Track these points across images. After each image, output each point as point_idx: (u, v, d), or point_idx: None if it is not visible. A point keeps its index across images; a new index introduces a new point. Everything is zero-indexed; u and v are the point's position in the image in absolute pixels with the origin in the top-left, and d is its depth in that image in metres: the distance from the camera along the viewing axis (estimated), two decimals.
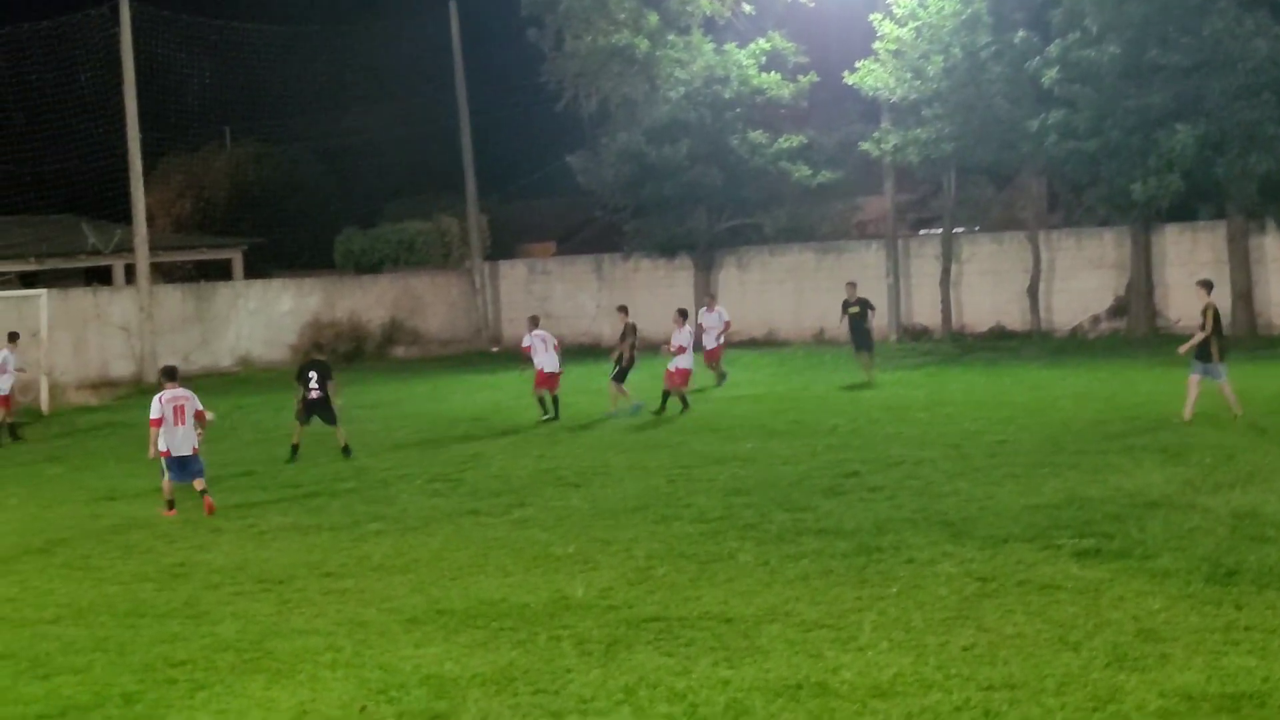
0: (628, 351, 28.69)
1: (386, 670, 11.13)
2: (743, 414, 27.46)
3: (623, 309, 30.48)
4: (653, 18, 43.80)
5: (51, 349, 36.67)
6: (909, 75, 39.59)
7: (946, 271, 42.17)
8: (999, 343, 40.14)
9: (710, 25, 44.92)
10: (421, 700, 10.34)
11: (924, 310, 43.15)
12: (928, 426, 24.30)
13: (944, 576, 13.29)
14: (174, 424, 19.26)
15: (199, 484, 19.46)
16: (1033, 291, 40.79)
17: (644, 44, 43.51)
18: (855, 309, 32.87)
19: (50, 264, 49.31)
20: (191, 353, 43.63)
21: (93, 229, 49.97)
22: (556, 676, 10.75)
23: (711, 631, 11.78)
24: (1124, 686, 9.86)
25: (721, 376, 33.12)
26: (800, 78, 43.68)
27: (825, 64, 42.95)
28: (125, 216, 44.57)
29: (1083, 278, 41.24)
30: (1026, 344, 39.10)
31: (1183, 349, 23.51)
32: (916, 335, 42.66)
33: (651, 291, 47.56)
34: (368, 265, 51.22)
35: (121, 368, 42.86)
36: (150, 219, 46.07)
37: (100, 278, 51.58)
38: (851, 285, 34.03)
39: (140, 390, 40.16)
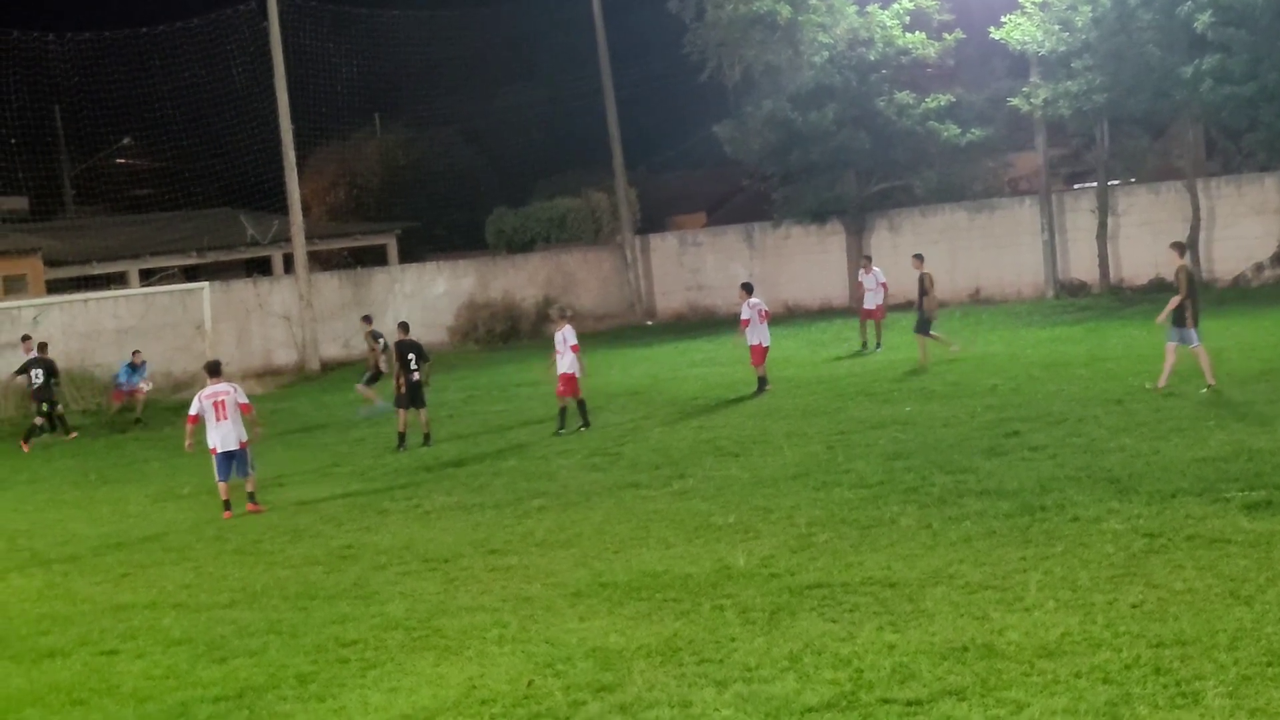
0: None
1: (553, 644, 11.26)
2: (900, 377, 27.26)
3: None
4: None
5: (216, 340, 37.39)
6: (1057, 27, 38.90)
7: (1103, 225, 41.45)
8: (1159, 295, 39.21)
9: None
10: (588, 672, 10.45)
11: (1081, 265, 42.47)
12: (1089, 383, 23.95)
13: (1110, 534, 13.13)
14: (216, 419, 19.14)
15: (249, 484, 19.39)
16: (1193, 241, 39.94)
17: (786, 10, 43.20)
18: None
19: (211, 257, 50.39)
20: (351, 338, 44.28)
21: (251, 221, 50.92)
22: (721, 645, 10.80)
23: (875, 596, 11.75)
24: None
25: (876, 343, 32.74)
26: (945, 35, 43.17)
27: (970, 20, 42.39)
28: (282, 207, 45.34)
29: (1244, 225, 40.30)
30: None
31: (1160, 317, 22.68)
32: (1074, 290, 42.01)
33: (804, 258, 47.40)
34: (520, 244, 51.60)
35: (284, 356, 43.64)
36: (306, 208, 46.82)
37: (260, 268, 52.57)
38: (918, 258, 31.79)
39: (303, 377, 40.95)
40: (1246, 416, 18.92)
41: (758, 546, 14.03)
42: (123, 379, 33.22)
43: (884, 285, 33.74)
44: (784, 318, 43.68)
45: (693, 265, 50.67)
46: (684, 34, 45.91)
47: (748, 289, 28.67)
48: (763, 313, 27.81)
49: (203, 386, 19.82)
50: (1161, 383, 22.01)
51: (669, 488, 18.07)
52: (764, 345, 27.40)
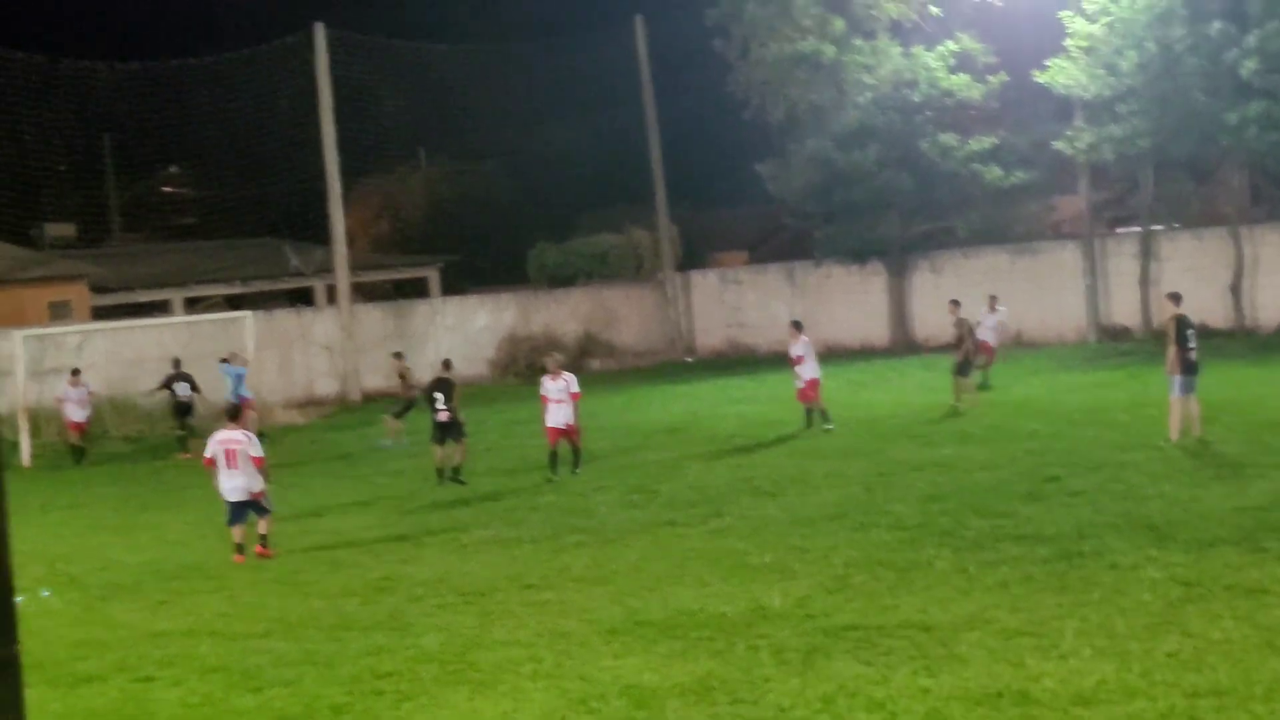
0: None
1: (586, 681, 11.29)
2: (940, 420, 27.21)
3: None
4: (838, 23, 43.58)
5: (258, 369, 37.57)
6: (1102, 71, 38.86)
7: (1146, 270, 41.35)
8: (1202, 341, 39.01)
9: (897, 29, 44.58)
10: (621, 710, 10.47)
11: (1123, 310, 42.31)
12: (1130, 429, 23.85)
13: (1148, 582, 13.09)
14: (226, 467, 18.34)
15: (263, 525, 18.56)
16: (1236, 288, 39.82)
17: (830, 50, 43.32)
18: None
19: (255, 286, 50.70)
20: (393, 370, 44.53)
21: (295, 251, 51.21)
22: (755, 686, 10.80)
23: (910, 640, 11.74)
24: None
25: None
26: (990, 78, 43.15)
27: (1015, 63, 42.34)
28: (325, 238, 45.61)
29: None
30: (1230, 342, 38.09)
31: (1168, 369, 22.25)
32: (1116, 335, 41.87)
33: (845, 298, 47.38)
34: (561, 279, 51.73)
35: (326, 386, 43.82)
36: (349, 240, 47.09)
37: (303, 298, 52.85)
38: (954, 303, 31.84)
39: (344, 408, 41.09)
40: None
41: (793, 587, 14.03)
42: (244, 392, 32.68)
43: (1001, 323, 34.16)
44: (824, 357, 43.60)
45: (734, 303, 50.69)
46: (728, 72, 46.08)
47: (798, 327, 28.69)
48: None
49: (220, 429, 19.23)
50: (1173, 436, 21.71)
51: (705, 526, 18.09)
52: (818, 379, 27.40)
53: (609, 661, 11.83)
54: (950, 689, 10.31)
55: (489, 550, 17.63)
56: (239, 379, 33.02)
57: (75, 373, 33.52)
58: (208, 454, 18.67)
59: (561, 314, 49.34)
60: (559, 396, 23.48)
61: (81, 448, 32.39)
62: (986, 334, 33.39)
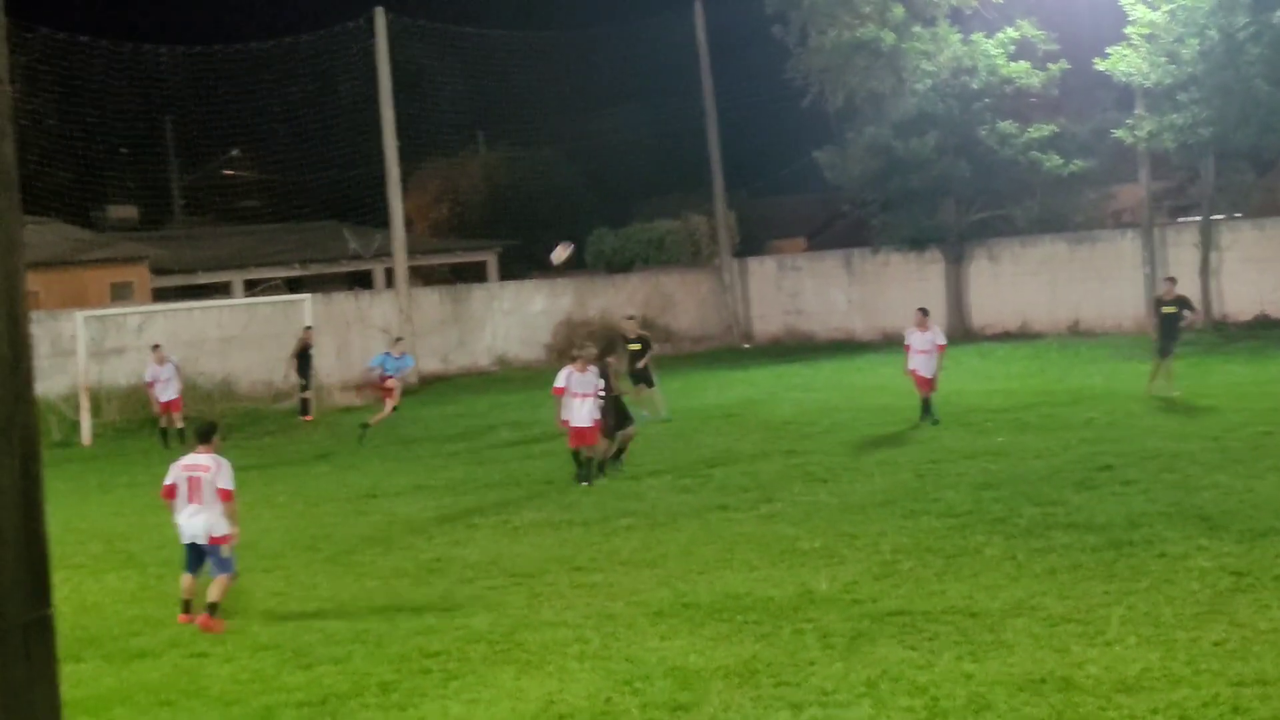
0: None
1: (632, 662, 11.36)
2: (996, 407, 27.12)
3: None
4: (898, 10, 43.49)
5: (317, 352, 37.82)
6: (1163, 59, 38.59)
7: (1206, 260, 41.05)
8: (1263, 331, 38.90)
9: (957, 16, 44.42)
10: (666, 691, 10.53)
11: None
12: (1187, 418, 23.77)
13: (1197, 571, 13.06)
14: (187, 499, 14.26)
15: (215, 589, 13.99)
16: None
17: (890, 37, 43.23)
18: (1170, 308, 28.34)
19: (314, 269, 51.05)
20: (450, 353, 44.74)
21: (354, 234, 51.50)
22: (799, 669, 10.85)
23: (955, 625, 11.76)
24: None
25: None
26: (1050, 66, 42.93)
27: (1075, 51, 42.10)
28: (385, 222, 45.82)
29: None
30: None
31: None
32: None
33: (902, 286, 47.24)
34: (619, 265, 51.84)
35: None
36: (408, 224, 47.29)
37: (361, 282, 53.14)
38: (1170, 281, 30.32)
39: (402, 391, 41.27)
40: None
41: (841, 572, 14.06)
42: (390, 369, 30.94)
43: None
44: (882, 345, 43.61)
45: (791, 290, 50.66)
46: (787, 59, 46.03)
47: (925, 314, 27.30)
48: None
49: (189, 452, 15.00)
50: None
51: (756, 511, 18.12)
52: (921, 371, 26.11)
53: (655, 643, 11.90)
54: (994, 674, 10.33)
55: (539, 533, 17.72)
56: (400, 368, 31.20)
57: (156, 348, 32.70)
58: (168, 481, 14.46)
59: (619, 299, 49.39)
60: (586, 391, 21.43)
61: (178, 429, 30.69)
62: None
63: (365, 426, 29.16)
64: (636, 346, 28.74)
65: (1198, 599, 12.09)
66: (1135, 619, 11.59)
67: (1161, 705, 9.48)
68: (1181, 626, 11.29)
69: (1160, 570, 13.18)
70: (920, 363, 25.92)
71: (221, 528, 14.10)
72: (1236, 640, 10.81)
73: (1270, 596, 11.98)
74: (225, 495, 14.09)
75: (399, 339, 33.19)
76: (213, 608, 13.80)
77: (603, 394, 21.71)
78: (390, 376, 30.49)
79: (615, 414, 22.32)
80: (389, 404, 30.13)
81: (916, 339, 26.25)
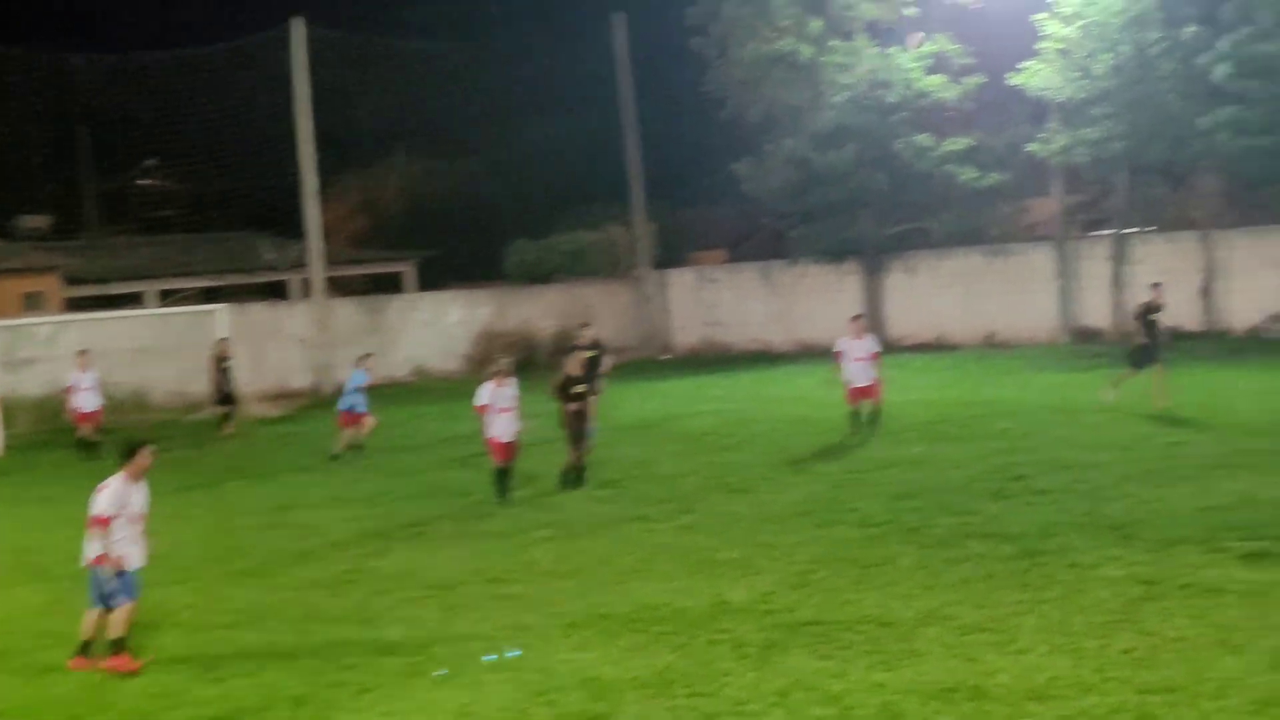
0: None
1: (546, 673, 11.35)
2: (912, 418, 27.27)
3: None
4: (816, 24, 43.70)
5: (234, 363, 37.51)
6: (1076, 74, 38.99)
7: (1118, 273, 41.52)
8: (1174, 344, 39.28)
9: (874, 30, 44.68)
10: (579, 702, 10.54)
11: (1095, 312, 42.48)
12: (1099, 429, 24.01)
13: (1107, 580, 13.21)
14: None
15: (115, 624, 12.77)
16: (1207, 291, 40.05)
17: (807, 50, 43.43)
18: (1157, 314, 28.16)
19: (230, 279, 50.64)
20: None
21: (270, 245, 51.17)
22: (713, 679, 10.88)
23: (868, 635, 11.83)
24: None
25: None
26: (966, 80, 43.28)
27: (991, 65, 42.44)
28: (302, 232, 45.57)
29: (1260, 276, 40.30)
30: (1202, 344, 38.31)
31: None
32: (1087, 337, 42.04)
33: (819, 298, 47.45)
34: (538, 276, 51.76)
35: (299, 380, 43.75)
36: (326, 234, 47.01)
37: (278, 293, 52.80)
38: (1156, 287, 29.68)
39: (317, 402, 41.06)
40: (1255, 467, 18.97)
41: (757, 582, 14.11)
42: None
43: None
44: (800, 356, 43.80)
45: (710, 301, 50.77)
46: (707, 71, 46.17)
47: (859, 320, 27.44)
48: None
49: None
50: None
51: (674, 522, 18.15)
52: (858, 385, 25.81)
53: (569, 654, 11.89)
54: (905, 683, 10.41)
55: (456, 544, 17.67)
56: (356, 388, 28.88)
57: (83, 353, 31.55)
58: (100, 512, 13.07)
59: (538, 310, 49.36)
60: (502, 405, 21.02)
61: (94, 441, 29.99)
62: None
63: (336, 458, 28.09)
64: (593, 354, 28.36)
65: (1107, 608, 12.22)
66: (1046, 628, 11.70)
67: (1070, 713, 9.59)
68: (1091, 635, 11.41)
69: (1071, 579, 13.32)
70: (857, 371, 25.54)
71: (93, 550, 12.89)
72: (1144, 648, 10.94)
73: (1178, 605, 12.13)
74: (97, 524, 12.88)
75: (368, 354, 31.53)
76: (116, 644, 12.64)
77: (580, 396, 21.68)
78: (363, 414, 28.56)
79: (581, 421, 21.88)
80: (366, 425, 28.75)
81: (852, 347, 25.80)
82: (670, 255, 53.58)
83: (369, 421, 28.09)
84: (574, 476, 21.63)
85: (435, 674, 11.59)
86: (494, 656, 11.82)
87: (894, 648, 11.40)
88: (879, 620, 12.26)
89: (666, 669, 11.23)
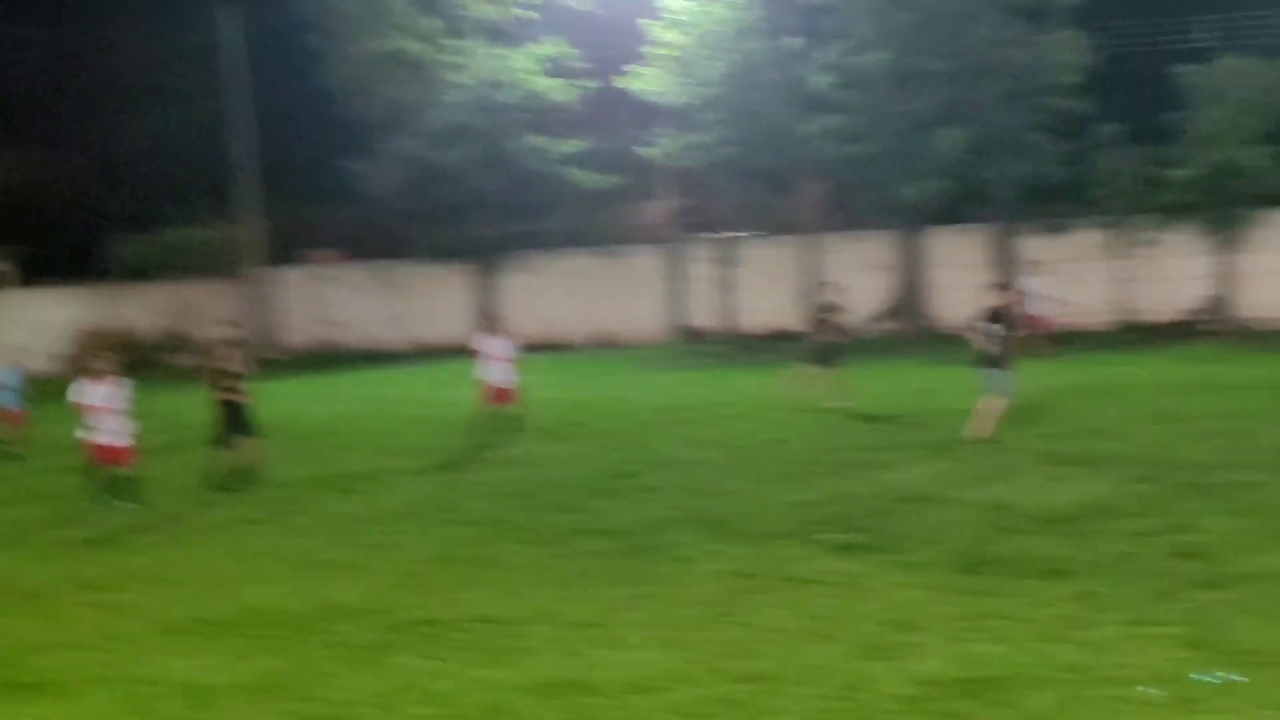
0: None
1: (144, 682, 10.99)
2: (525, 417, 27.44)
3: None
4: (431, 23, 43.65)
5: None
6: (686, 80, 39.99)
7: (725, 275, 42.71)
8: (777, 344, 40.74)
9: (490, 30, 44.83)
10: (178, 710, 10.26)
11: (702, 313, 43.66)
12: (704, 427, 24.63)
13: (709, 574, 13.53)
14: None
15: None
16: (808, 294, 41.53)
17: (422, 49, 43.36)
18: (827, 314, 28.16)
19: None
20: None
21: None
22: (317, 682, 10.74)
23: (476, 634, 11.85)
24: (872, 675, 10.17)
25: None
26: (580, 83, 43.84)
27: (605, 69, 43.15)
28: None
29: (858, 279, 42.02)
30: (803, 345, 39.70)
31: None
32: (696, 337, 43.12)
33: (435, 298, 47.46)
34: (145, 273, 50.20)
35: None
36: None
37: None
38: (824, 285, 30.07)
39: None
40: (849, 462, 19.74)
41: (365, 583, 13.98)
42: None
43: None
44: (415, 356, 43.75)
45: (325, 301, 50.18)
46: (322, 67, 45.56)
47: (492, 321, 26.90)
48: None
49: None
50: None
51: (282, 524, 17.84)
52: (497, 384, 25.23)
53: (169, 661, 11.54)
54: (511, 680, 10.46)
55: (55, 551, 16.97)
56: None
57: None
58: None
59: (142, 309, 47.92)
60: (110, 404, 19.63)
61: None
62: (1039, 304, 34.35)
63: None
64: (244, 350, 27.26)
65: (709, 601, 12.53)
66: (650, 621, 11.93)
67: (670, 703, 9.79)
68: (692, 627, 11.68)
69: (675, 574, 13.62)
70: (497, 371, 24.91)
71: None
72: (742, 639, 11.26)
73: (775, 597, 12.52)
74: None
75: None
76: None
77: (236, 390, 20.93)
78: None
79: (239, 422, 21.22)
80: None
81: (492, 346, 25.08)
82: (285, 253, 52.69)
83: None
84: (237, 477, 20.92)
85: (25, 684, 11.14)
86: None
87: (502, 645, 11.45)
88: (487, 618, 12.30)
89: (270, 673, 11.03)
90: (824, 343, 26.98)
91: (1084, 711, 9.40)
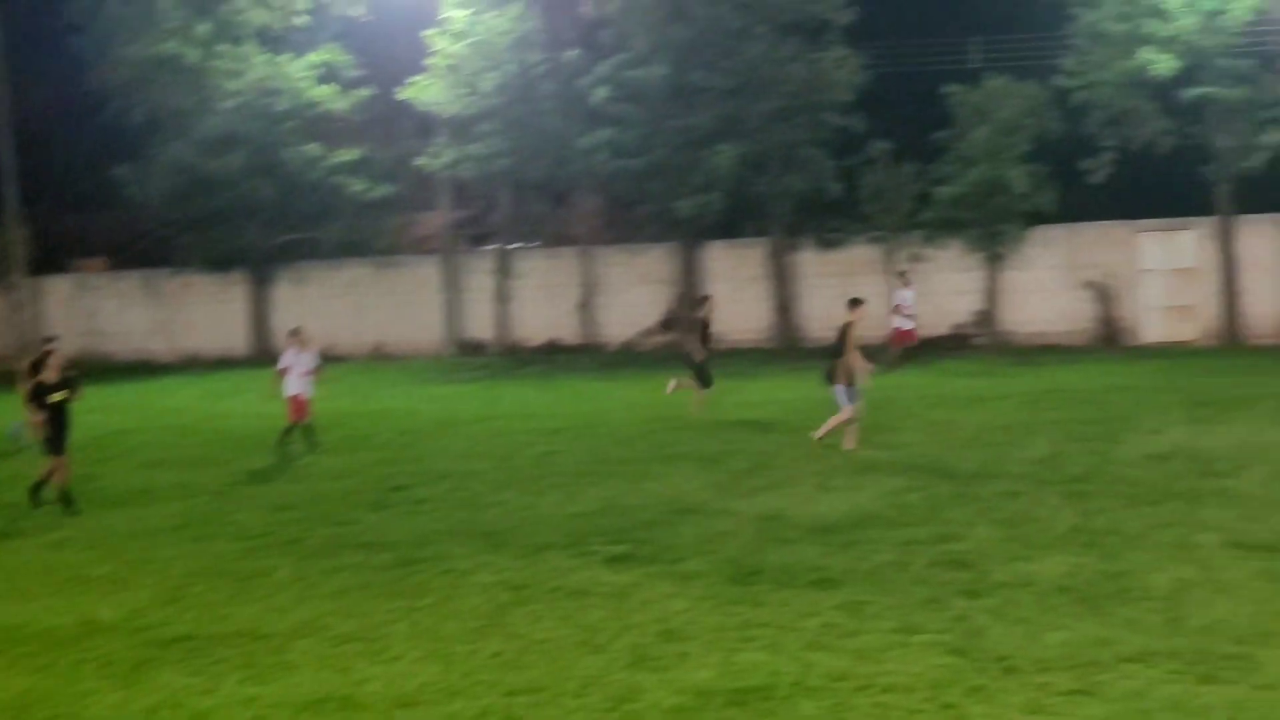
0: None
1: None
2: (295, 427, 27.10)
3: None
4: (204, 27, 42.88)
5: None
6: (464, 91, 39.86)
7: (502, 287, 42.70)
8: (553, 356, 40.89)
9: (265, 37, 44.19)
10: None
11: (480, 325, 43.55)
12: (478, 439, 24.57)
13: (480, 586, 13.50)
14: None
15: None
16: (585, 306, 41.72)
17: (194, 54, 42.58)
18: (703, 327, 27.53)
19: None
20: None
21: None
22: (76, 700, 10.48)
23: (241, 649, 11.66)
24: (642, 685, 10.24)
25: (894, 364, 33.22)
26: (357, 92, 43.42)
27: (382, 78, 42.80)
28: None
29: (635, 293, 42.40)
30: (579, 357, 39.94)
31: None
32: (473, 349, 43.03)
33: (205, 307, 46.58)
34: None
35: None
36: None
37: None
38: (705, 299, 29.28)
39: None
40: (622, 474, 19.84)
41: (128, 599, 13.66)
42: None
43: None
44: (185, 367, 42.95)
45: (90, 310, 48.85)
46: (89, 70, 44.47)
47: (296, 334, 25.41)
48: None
49: None
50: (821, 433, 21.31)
51: (42, 538, 17.37)
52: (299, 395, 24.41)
53: None
54: (276, 696, 10.32)
55: None
56: None
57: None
58: None
59: None
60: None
61: None
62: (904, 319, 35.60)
63: None
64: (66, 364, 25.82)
65: (479, 613, 12.49)
66: (418, 634, 11.86)
67: (438, 717, 9.75)
68: (462, 640, 11.64)
69: (445, 586, 13.55)
70: (302, 385, 24.32)
71: None
72: (513, 651, 11.25)
73: (545, 608, 12.53)
74: None
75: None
76: None
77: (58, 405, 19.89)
78: None
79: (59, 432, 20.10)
80: None
81: (299, 360, 24.42)
82: (48, 262, 51.19)
83: None
84: (60, 495, 19.97)
85: None
86: None
87: (267, 661, 11.28)
88: (253, 634, 12.11)
89: (26, 692, 10.72)
90: (701, 355, 26.94)
91: (850, 718, 9.57)
